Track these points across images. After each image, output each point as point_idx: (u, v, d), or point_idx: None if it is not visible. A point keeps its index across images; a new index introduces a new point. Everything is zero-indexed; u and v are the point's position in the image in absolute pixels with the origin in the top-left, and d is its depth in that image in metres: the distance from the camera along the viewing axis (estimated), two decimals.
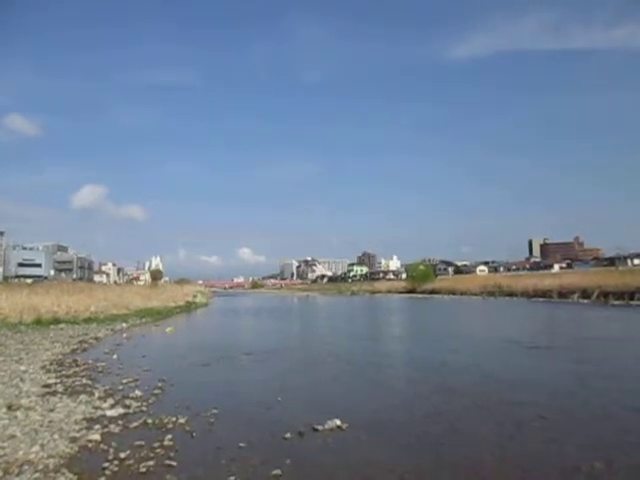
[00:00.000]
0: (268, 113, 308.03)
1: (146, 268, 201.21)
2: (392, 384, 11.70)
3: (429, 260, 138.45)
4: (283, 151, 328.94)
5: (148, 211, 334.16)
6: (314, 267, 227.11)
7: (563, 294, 47.26)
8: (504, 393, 10.21)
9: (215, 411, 8.95)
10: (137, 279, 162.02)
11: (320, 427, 7.81)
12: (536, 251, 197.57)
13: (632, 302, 38.27)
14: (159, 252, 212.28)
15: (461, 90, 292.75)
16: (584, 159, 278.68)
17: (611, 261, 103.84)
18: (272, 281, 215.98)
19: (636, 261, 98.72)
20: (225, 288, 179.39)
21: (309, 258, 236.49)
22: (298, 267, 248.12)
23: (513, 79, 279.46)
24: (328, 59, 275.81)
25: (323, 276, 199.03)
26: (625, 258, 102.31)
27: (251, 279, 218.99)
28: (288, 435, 7.51)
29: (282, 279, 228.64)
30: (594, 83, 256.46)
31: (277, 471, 6.10)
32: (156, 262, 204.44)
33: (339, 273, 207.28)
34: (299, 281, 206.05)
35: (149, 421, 8.35)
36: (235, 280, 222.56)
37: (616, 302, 39.33)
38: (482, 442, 7.21)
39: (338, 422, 7.96)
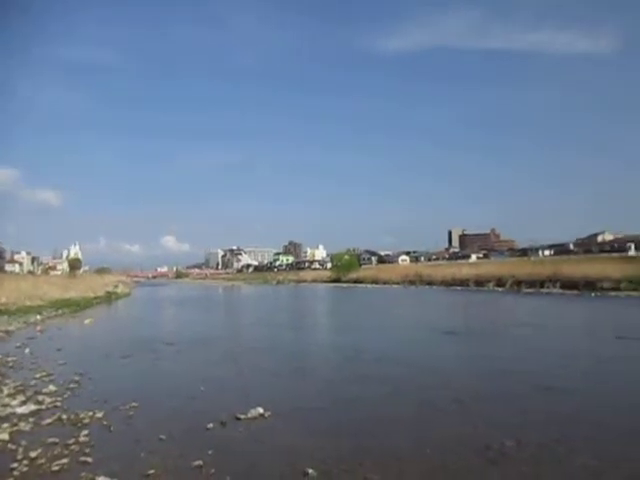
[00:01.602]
0: (193, 100, 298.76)
1: (64, 257, 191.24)
2: (315, 372, 11.86)
3: (354, 250, 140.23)
4: (207, 138, 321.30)
5: (66, 197, 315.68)
6: (239, 256, 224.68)
7: (480, 283, 49.58)
8: (423, 378, 10.63)
9: (135, 404, 8.70)
10: (54, 268, 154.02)
11: (243, 416, 7.80)
12: (455, 241, 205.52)
13: (542, 290, 40.84)
14: (78, 240, 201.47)
15: (393, 83, 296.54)
16: (501, 154, 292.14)
17: (524, 252, 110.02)
18: (197, 270, 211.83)
19: (546, 252, 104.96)
20: (148, 278, 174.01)
21: (234, 247, 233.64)
22: (223, 256, 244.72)
23: (440, 74, 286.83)
24: (257, 47, 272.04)
25: (249, 265, 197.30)
26: (537, 249, 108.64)
27: (175, 268, 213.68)
28: (210, 425, 7.44)
29: (207, 268, 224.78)
30: (513, 82, 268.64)
31: (199, 462, 6.04)
32: (74, 251, 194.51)
33: (265, 262, 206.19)
34: (224, 270, 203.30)
35: (64, 417, 7.99)
36: (159, 270, 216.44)
37: (528, 290, 41.80)
38: (401, 426, 7.47)
39: (261, 410, 7.98)
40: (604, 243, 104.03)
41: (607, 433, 6.89)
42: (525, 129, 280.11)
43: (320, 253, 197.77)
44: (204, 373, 11.60)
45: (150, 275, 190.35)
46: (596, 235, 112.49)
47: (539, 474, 5.60)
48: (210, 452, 6.37)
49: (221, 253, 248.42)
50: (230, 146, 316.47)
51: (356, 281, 74.36)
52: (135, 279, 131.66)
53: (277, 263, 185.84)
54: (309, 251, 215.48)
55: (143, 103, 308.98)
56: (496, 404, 8.53)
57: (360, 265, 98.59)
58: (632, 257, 61.88)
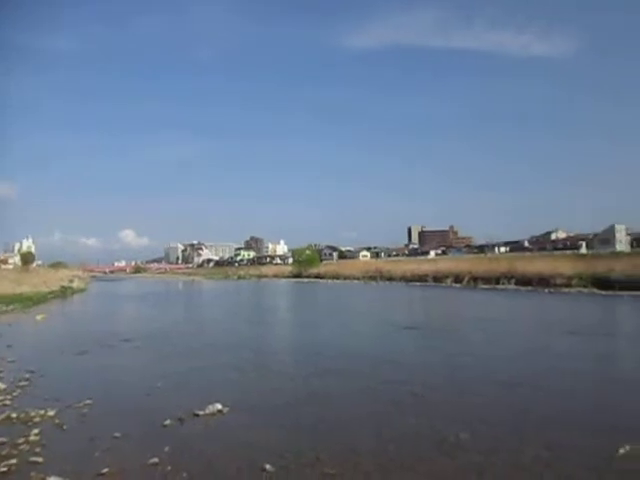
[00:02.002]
0: (151, 92, 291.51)
1: (15, 251, 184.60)
2: (275, 367, 11.83)
3: (315, 245, 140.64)
4: (166, 131, 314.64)
5: (18, 188, 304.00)
6: (200, 251, 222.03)
7: (438, 278, 50.46)
8: (382, 373, 10.75)
9: (89, 401, 8.50)
10: (5, 262, 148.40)
11: (201, 412, 7.73)
12: (415, 238, 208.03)
13: (497, 286, 41.87)
14: (31, 233, 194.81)
15: (357, 77, 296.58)
16: (460, 156, 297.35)
17: (481, 249, 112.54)
18: (156, 265, 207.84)
19: (502, 249, 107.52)
20: (105, 273, 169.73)
21: (195, 242, 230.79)
22: (184, 251, 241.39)
23: (401, 72, 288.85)
24: (219, 39, 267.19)
25: (209, 260, 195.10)
26: (493, 246, 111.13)
27: (134, 263, 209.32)
28: (167, 422, 7.34)
29: (167, 263, 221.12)
30: (469, 83, 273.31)
31: (154, 459, 5.95)
32: (27, 244, 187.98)
33: (226, 257, 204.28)
34: (185, 265, 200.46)
35: (13, 415, 7.74)
36: (116, 264, 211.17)
37: (484, 286, 42.78)
38: (360, 420, 7.54)
39: (219, 406, 7.92)
40: (557, 241, 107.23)
41: (557, 424, 7.11)
42: (483, 131, 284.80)
43: (281, 248, 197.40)
44: (162, 369, 11.42)
45: (107, 270, 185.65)
46: (550, 233, 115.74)
47: (493, 465, 5.74)
48: (167, 449, 6.28)
49: (181, 248, 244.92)
50: (190, 140, 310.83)
51: (317, 276, 74.48)
52: (92, 274, 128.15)
53: (238, 258, 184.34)
54: (270, 246, 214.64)
55: (100, 95, 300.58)
56: (452, 397, 8.71)
57: (321, 260, 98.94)
58: (583, 255, 64.12)
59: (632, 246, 79.05)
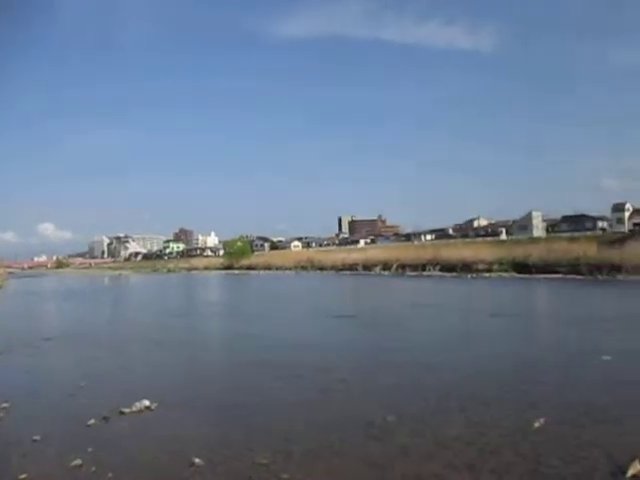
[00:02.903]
0: (73, 79, 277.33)
1: None
2: (205, 359, 11.70)
3: (246, 236, 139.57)
4: (88, 118, 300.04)
5: None
6: (127, 244, 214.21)
7: (367, 267, 51.54)
8: (313, 361, 10.85)
9: (6, 405, 8.06)
10: None
11: (127, 410, 7.51)
12: (345, 227, 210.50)
13: (424, 272, 43.31)
14: None
15: (281, 66, 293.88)
16: (387, 147, 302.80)
17: (408, 237, 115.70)
18: (80, 260, 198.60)
19: (428, 237, 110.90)
20: (24, 268, 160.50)
21: (121, 235, 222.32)
22: (109, 244, 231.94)
23: (330, 61, 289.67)
24: (143, 23, 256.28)
25: (137, 254, 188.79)
26: (419, 234, 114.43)
27: (55, 258, 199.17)
28: (92, 422, 7.08)
29: (92, 258, 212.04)
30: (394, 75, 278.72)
31: (77, 461, 5.73)
32: None
33: (155, 250, 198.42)
34: (111, 259, 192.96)
35: None
36: (36, 259, 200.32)
37: (411, 273, 44.12)
38: (291, 408, 7.61)
39: (147, 402, 7.73)
40: (479, 228, 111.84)
41: (479, 403, 7.46)
42: (409, 123, 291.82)
43: (212, 240, 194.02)
44: (85, 368, 11.00)
45: (26, 265, 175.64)
46: (472, 221, 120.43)
47: (418, 446, 5.95)
48: (90, 450, 6.07)
49: (107, 241, 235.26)
50: (113, 127, 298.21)
51: (249, 267, 74.06)
52: (9, 270, 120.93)
53: (167, 251, 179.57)
54: (200, 238, 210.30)
55: (19, 83, 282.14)
56: (380, 382, 8.94)
57: (253, 251, 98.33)
58: (503, 241, 67.38)
59: (548, 231, 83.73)
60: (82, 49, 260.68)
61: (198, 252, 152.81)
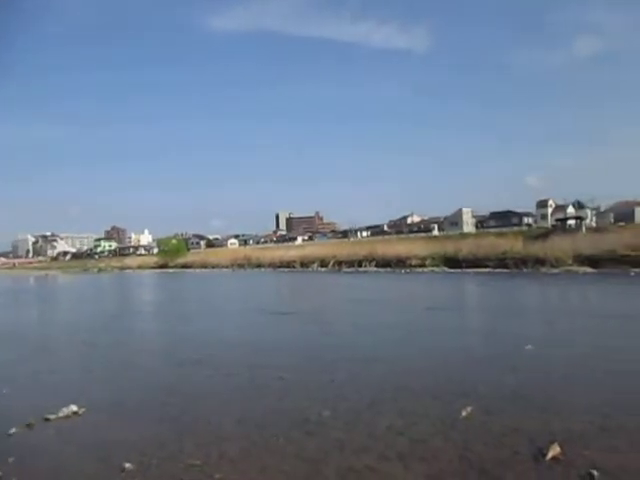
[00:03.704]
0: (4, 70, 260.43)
1: None
2: (137, 361, 11.37)
3: (182, 234, 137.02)
4: (14, 108, 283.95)
5: None
6: (54, 243, 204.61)
7: (305, 264, 51.80)
8: (248, 359, 10.78)
9: None
10: None
11: (53, 416, 7.19)
12: (282, 224, 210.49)
13: (360, 268, 43.99)
14: None
15: (215, 61, 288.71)
16: (324, 144, 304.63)
17: (345, 233, 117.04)
18: (2, 260, 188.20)
19: (364, 233, 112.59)
20: None
21: (48, 233, 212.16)
22: (35, 243, 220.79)
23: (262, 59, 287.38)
24: (71, 14, 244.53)
25: (66, 253, 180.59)
26: (356, 231, 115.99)
27: None
28: (13, 430, 6.72)
29: (15, 257, 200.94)
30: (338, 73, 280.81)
31: None
32: None
33: (85, 249, 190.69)
34: (37, 259, 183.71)
35: None
36: None
37: (348, 269, 44.70)
38: (225, 408, 7.52)
39: (74, 408, 7.43)
40: (413, 224, 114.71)
41: (410, 394, 7.68)
42: (345, 121, 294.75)
43: (146, 238, 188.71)
44: (8, 374, 10.41)
45: None
46: (406, 217, 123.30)
47: (352, 439, 6.04)
48: (12, 460, 5.77)
49: (32, 239, 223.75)
50: (42, 120, 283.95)
51: (185, 266, 72.78)
52: None
53: (98, 250, 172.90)
54: (134, 236, 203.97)
55: None
56: (315, 377, 9.00)
57: (189, 250, 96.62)
58: (435, 236, 69.44)
59: (477, 227, 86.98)
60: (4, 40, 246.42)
61: (131, 251, 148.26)
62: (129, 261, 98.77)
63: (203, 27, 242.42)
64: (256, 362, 10.42)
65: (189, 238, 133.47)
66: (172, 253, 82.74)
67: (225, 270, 60.69)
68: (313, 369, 9.69)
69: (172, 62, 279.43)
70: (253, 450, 5.88)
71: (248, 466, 5.46)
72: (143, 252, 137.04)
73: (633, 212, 73.51)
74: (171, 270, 70.67)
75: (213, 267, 66.31)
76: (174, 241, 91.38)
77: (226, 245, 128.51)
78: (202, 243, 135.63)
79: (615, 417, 6.35)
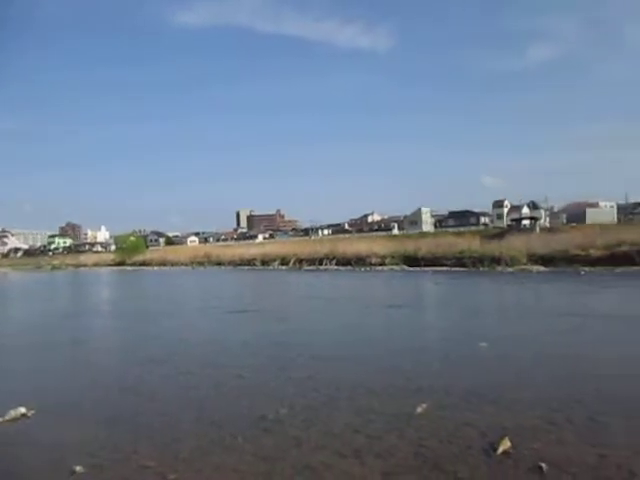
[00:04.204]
0: None
1: None
2: (90, 361, 11.13)
3: (140, 231, 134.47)
4: None
5: None
6: (5, 239, 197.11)
7: (266, 262, 51.56)
8: (207, 357, 10.69)
9: None
10: None
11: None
12: (243, 222, 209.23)
13: (320, 267, 44.10)
14: None
15: (178, 55, 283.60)
16: (287, 138, 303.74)
17: (306, 231, 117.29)
18: None
19: (325, 232, 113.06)
20: None
21: None
22: None
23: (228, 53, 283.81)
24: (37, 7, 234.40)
25: (17, 249, 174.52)
26: (317, 229, 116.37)
27: None
28: None
29: None
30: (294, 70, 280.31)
31: None
32: None
33: (38, 246, 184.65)
34: None
35: None
36: None
37: (308, 267, 44.76)
38: (181, 406, 7.43)
39: (23, 410, 7.19)
40: (373, 223, 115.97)
41: (367, 392, 7.75)
42: (305, 119, 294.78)
43: (103, 235, 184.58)
44: None
45: None
46: (367, 216, 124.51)
47: (308, 437, 6.07)
48: None
49: None
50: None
51: (143, 264, 71.43)
52: None
53: (52, 246, 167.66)
54: (90, 233, 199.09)
55: None
56: (274, 376, 8.98)
57: (147, 247, 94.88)
58: (395, 235, 70.32)
59: (436, 226, 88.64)
60: None
61: (87, 248, 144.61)
62: (85, 258, 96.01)
63: (171, 22, 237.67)
64: (215, 361, 10.34)
65: (148, 235, 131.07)
66: (130, 250, 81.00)
67: (184, 268, 59.82)
68: (272, 367, 9.67)
69: (136, 60, 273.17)
70: (209, 449, 5.83)
71: (204, 465, 5.41)
72: (100, 249, 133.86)
73: (584, 213, 76.32)
74: (129, 268, 69.20)
75: (172, 265, 65.26)
76: (132, 238, 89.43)
77: (186, 242, 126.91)
78: (161, 240, 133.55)
79: (563, 411, 6.57)
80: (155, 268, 64.09)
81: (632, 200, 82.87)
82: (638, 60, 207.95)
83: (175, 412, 7.18)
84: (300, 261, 47.40)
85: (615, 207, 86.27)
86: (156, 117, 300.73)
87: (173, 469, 5.29)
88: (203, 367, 9.80)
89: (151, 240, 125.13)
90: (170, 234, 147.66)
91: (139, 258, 75.74)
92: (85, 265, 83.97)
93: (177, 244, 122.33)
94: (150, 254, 79.66)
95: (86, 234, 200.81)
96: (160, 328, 15.34)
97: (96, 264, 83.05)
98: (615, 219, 76.76)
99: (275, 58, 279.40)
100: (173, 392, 8.26)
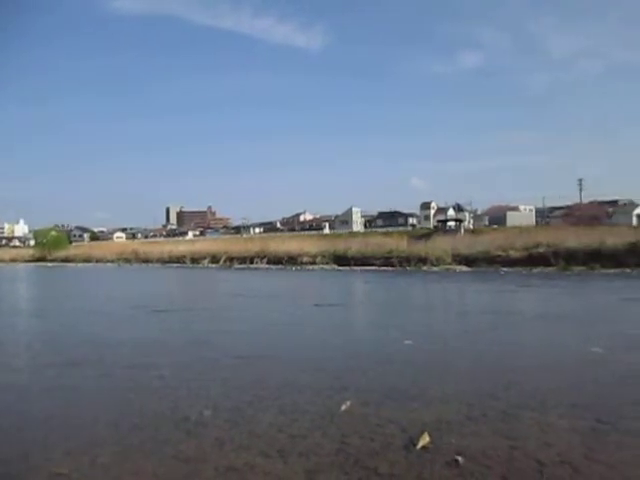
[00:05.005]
0: None
1: None
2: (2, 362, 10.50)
3: (63, 226, 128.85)
4: None
5: None
6: None
7: (196, 259, 50.74)
8: (128, 358, 10.34)
9: None
10: None
11: None
12: (173, 219, 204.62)
13: (251, 265, 43.87)
14: None
15: (102, 43, 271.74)
16: (216, 136, 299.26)
17: (237, 229, 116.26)
18: None
19: (257, 230, 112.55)
20: None
21: None
22: None
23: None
24: None
25: None
26: (249, 227, 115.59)
27: None
28: None
29: None
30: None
31: None
32: None
33: None
34: None
35: None
36: None
37: (239, 265, 44.41)
38: (99, 410, 7.14)
39: None
40: (305, 222, 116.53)
41: (292, 390, 7.76)
42: (240, 112, 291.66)
43: (21, 229, 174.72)
44: None
45: None
46: (298, 215, 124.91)
47: (232, 438, 5.99)
48: None
49: None
50: None
51: (66, 260, 68.49)
52: None
53: None
54: (7, 227, 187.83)
55: None
56: (198, 376, 8.82)
57: (70, 242, 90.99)
58: (326, 235, 70.94)
59: (365, 227, 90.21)
60: None
61: (4, 242, 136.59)
62: (1, 253, 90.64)
63: (104, 8, 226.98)
64: (137, 362, 10.02)
65: (71, 230, 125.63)
66: (51, 246, 77.41)
67: (110, 265, 57.74)
68: (196, 368, 9.50)
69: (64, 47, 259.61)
70: (128, 454, 5.64)
71: (121, 471, 5.22)
72: (18, 244, 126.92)
73: (505, 216, 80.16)
74: (50, 264, 65.94)
75: (97, 261, 62.89)
76: (53, 233, 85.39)
77: (112, 239, 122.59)
78: (85, 236, 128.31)
79: (480, 406, 6.87)
80: (78, 265, 61.49)
81: (549, 204, 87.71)
82: (557, 72, 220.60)
83: (93, 416, 6.90)
84: (231, 259, 46.95)
85: (534, 211, 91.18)
86: (85, 112, 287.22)
87: (89, 476, 5.08)
88: (124, 368, 9.49)
89: (75, 235, 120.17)
90: (95, 229, 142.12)
91: (61, 254, 72.55)
92: (1, 260, 79.20)
93: (103, 240, 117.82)
94: (73, 250, 76.58)
95: (3, 228, 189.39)
96: (79, 328, 14.70)
97: (13, 259, 78.89)
98: (534, 222, 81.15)
99: (210, 53, 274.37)
100: (91, 395, 7.93)
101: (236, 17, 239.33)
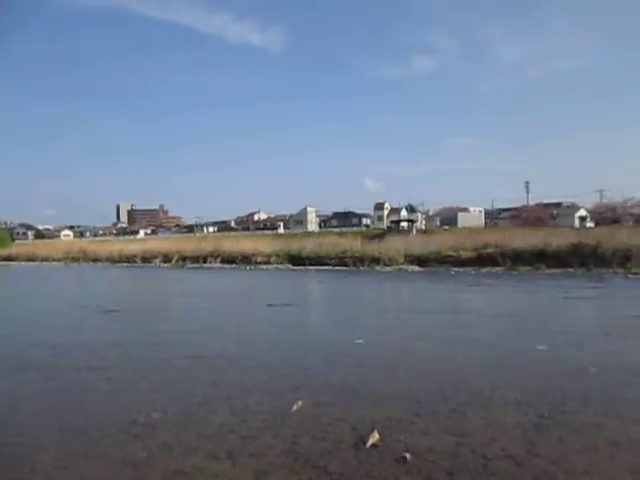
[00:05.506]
0: None
1: None
2: None
3: (5, 223, 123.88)
4: None
5: None
6: None
7: (147, 258, 49.64)
8: (74, 360, 10.02)
9: None
10: None
11: None
12: (124, 217, 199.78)
13: (205, 264, 43.33)
14: None
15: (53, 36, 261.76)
16: (165, 135, 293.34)
17: (190, 228, 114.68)
18: None
19: (211, 229, 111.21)
20: None
21: None
22: None
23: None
24: None
25: None
26: (202, 226, 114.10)
27: None
28: None
29: None
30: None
31: None
32: None
33: None
34: None
35: None
36: None
37: (192, 265, 43.76)
38: (43, 413, 6.92)
39: None
40: (259, 221, 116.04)
41: (243, 391, 7.72)
42: (199, 110, 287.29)
43: None
44: None
45: None
46: (253, 214, 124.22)
47: (181, 440, 5.90)
48: None
49: None
50: None
51: (8, 258, 65.63)
52: None
53: None
54: None
55: None
56: (146, 378, 8.65)
57: (13, 240, 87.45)
58: (281, 234, 70.79)
59: (320, 226, 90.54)
60: None
61: None
62: None
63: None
64: (82, 363, 9.72)
65: (14, 228, 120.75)
66: None
67: (56, 264, 55.79)
68: (145, 369, 9.31)
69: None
70: (72, 458, 5.47)
71: (65, 476, 5.07)
72: None
73: (456, 217, 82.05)
74: None
75: (43, 260, 60.63)
76: None
77: (59, 236, 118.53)
78: (30, 234, 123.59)
79: (428, 403, 7.01)
80: (22, 263, 59.16)
81: (497, 206, 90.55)
82: (507, 78, 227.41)
83: (35, 421, 6.66)
84: (183, 258, 46.21)
85: (483, 212, 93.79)
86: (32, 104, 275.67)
87: None
88: (69, 370, 9.20)
89: (18, 233, 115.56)
90: (41, 227, 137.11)
91: (3, 252, 69.47)
92: None
93: (49, 238, 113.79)
94: (17, 248, 73.45)
95: None
96: (21, 329, 14.14)
97: None
98: (483, 223, 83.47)
99: (160, 47, 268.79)
100: (34, 399, 7.64)
101: (190, 12, 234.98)
